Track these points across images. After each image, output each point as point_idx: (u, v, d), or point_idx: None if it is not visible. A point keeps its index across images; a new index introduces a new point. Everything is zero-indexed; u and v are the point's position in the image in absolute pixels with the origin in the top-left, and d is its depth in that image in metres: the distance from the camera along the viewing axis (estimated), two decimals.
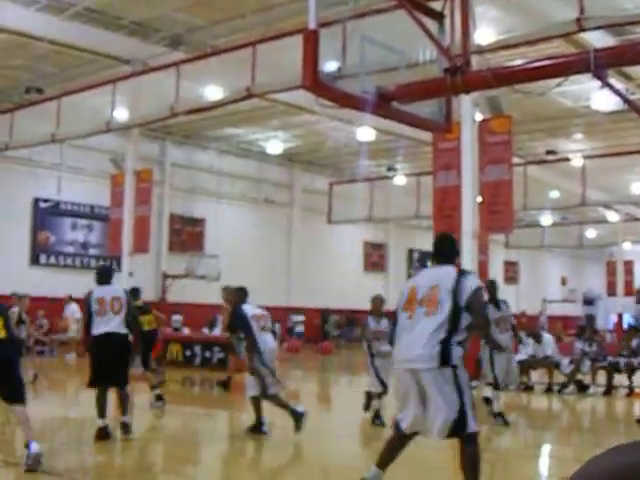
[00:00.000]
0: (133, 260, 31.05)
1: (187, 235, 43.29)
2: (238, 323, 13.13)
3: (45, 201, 37.81)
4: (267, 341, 13.15)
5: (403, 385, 7.69)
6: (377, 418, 14.52)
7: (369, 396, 15.18)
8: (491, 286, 14.32)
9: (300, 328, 41.64)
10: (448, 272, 7.71)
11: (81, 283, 36.34)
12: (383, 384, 14.29)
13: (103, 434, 12.24)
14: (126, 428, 12.64)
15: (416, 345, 7.49)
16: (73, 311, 32.11)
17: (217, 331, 31.45)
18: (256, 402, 13.29)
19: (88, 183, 37.88)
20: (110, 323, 12.40)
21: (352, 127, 33.42)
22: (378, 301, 14.98)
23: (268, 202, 46.68)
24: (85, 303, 12.85)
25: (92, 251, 39.43)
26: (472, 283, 7.67)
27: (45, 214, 37.93)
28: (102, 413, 12.39)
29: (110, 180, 32.63)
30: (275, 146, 42.46)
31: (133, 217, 30.80)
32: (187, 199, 42.90)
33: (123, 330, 12.54)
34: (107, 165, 33.21)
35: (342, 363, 33.89)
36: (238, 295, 13.91)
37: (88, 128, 27.65)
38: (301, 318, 42.91)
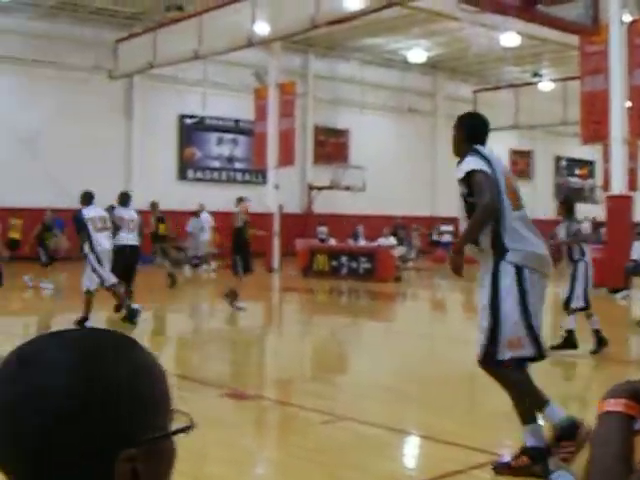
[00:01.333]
0: (278, 173, 31.27)
1: (331, 146, 43.37)
2: (77, 226, 14.83)
3: (190, 117, 38.39)
4: (101, 242, 14.67)
5: None
6: None
7: None
8: (570, 202, 13.17)
9: (447, 238, 41.31)
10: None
11: (227, 197, 37.19)
12: None
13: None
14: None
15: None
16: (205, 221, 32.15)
17: (361, 242, 31.56)
18: (89, 298, 14.64)
19: (232, 98, 38.23)
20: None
21: (496, 33, 32.59)
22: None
23: (411, 111, 46.29)
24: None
25: (238, 165, 39.95)
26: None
27: (191, 130, 38.55)
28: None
29: (254, 94, 32.86)
30: (418, 54, 41.90)
31: (277, 130, 30.98)
32: (330, 110, 42.88)
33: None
34: (250, 79, 33.39)
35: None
36: (82, 199, 15.06)
37: (230, 43, 27.82)
38: (449, 228, 42.53)
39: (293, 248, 31.65)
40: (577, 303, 12.10)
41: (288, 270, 29.61)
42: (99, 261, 14.61)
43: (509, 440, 7.16)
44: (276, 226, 30.55)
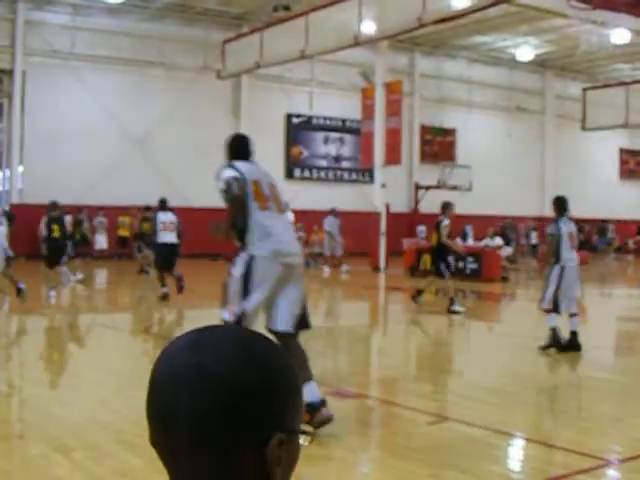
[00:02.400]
0: (385, 172, 31.22)
1: (438, 145, 43.19)
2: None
3: (297, 116, 38.61)
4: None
5: None
6: None
7: None
8: (559, 201, 12.84)
9: None
10: None
11: (334, 196, 37.39)
12: None
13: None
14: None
15: None
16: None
17: (470, 242, 31.31)
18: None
19: (339, 97, 38.38)
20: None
21: (606, 29, 32.05)
22: None
23: (519, 110, 45.79)
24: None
25: (344, 164, 40.04)
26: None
27: (298, 129, 38.78)
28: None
29: (360, 93, 32.87)
30: (526, 52, 41.45)
31: (384, 129, 30.92)
32: (437, 109, 42.70)
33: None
34: (356, 78, 33.44)
35: (595, 273, 33.09)
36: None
37: (336, 42, 27.88)
38: None
39: (400, 247, 31.55)
40: (545, 305, 12.65)
41: (394, 269, 29.53)
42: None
43: (617, 445, 7.02)
44: (382, 225, 30.53)
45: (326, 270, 31.18)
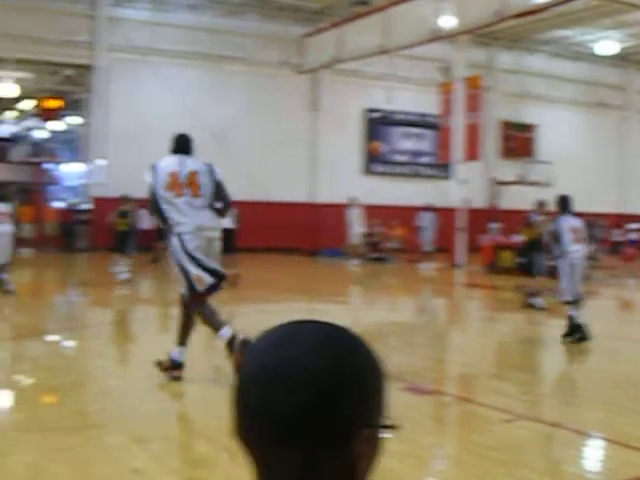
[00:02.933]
0: (464, 167, 31.02)
1: (518, 141, 42.75)
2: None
3: (375, 111, 38.53)
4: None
5: None
6: None
7: None
8: (562, 199, 13.31)
9: (635, 236, 39.86)
10: None
11: (412, 191, 37.32)
12: None
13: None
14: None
15: None
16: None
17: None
18: None
19: (417, 92, 38.22)
20: None
21: None
22: None
23: (601, 106, 45.11)
24: None
25: (423, 159, 39.86)
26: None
27: (375, 124, 38.70)
28: None
29: (439, 88, 32.71)
30: (608, 47, 40.74)
31: (463, 124, 30.73)
32: (517, 105, 42.25)
33: None
34: (435, 73, 33.31)
35: None
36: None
37: (415, 37, 27.81)
38: (636, 226, 41.05)
39: (478, 243, 31.34)
40: (563, 297, 12.96)
41: (472, 266, 29.36)
42: None
43: None
44: (461, 221, 30.35)
45: (405, 265, 31.09)
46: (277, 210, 33.98)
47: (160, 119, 32.47)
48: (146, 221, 26.50)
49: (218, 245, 9.32)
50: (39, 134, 40.55)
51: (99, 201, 31.99)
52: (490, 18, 24.82)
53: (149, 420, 7.77)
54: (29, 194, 38.44)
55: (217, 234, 9.33)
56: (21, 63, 32.96)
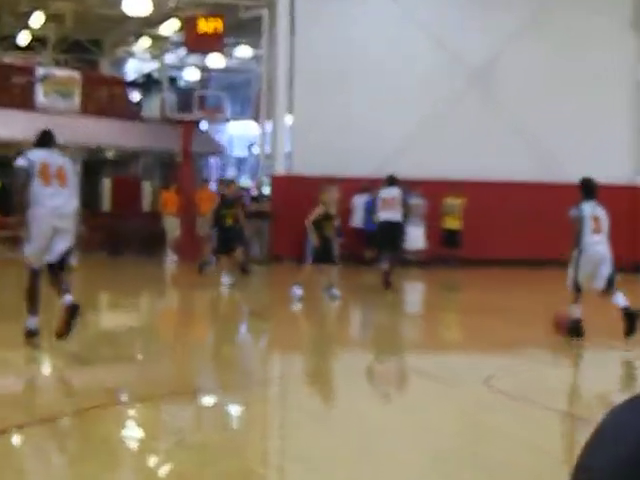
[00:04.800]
0: None
1: None
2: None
3: None
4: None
5: None
6: None
7: None
8: (586, 183, 12.46)
9: None
10: None
11: None
12: None
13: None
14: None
15: None
16: None
17: None
18: None
19: None
20: None
21: None
22: None
23: None
24: None
25: None
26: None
27: None
28: None
29: None
30: None
31: None
32: None
33: None
34: None
35: None
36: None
37: None
38: None
39: None
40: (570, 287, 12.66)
41: None
42: None
43: None
44: None
45: None
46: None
47: (387, 53, 23.13)
48: None
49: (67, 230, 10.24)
50: (188, 75, 30.82)
51: (282, 180, 23.13)
52: None
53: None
54: (173, 171, 28.13)
55: (67, 221, 10.28)
56: None
